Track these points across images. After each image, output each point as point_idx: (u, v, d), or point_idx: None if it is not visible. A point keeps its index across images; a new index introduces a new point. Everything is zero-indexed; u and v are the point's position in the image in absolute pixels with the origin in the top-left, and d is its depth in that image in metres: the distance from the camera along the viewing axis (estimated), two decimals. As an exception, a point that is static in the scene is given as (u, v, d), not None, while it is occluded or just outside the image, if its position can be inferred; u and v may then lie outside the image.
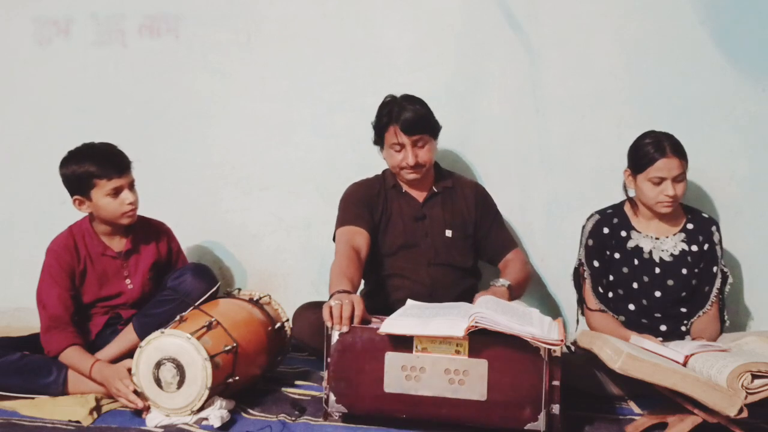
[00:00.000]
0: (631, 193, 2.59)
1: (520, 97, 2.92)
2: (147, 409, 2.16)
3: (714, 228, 2.54)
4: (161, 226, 2.65)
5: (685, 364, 2.07)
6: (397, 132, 2.54)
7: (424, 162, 2.58)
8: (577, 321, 2.67)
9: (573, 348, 2.40)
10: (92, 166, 2.38)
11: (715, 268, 2.51)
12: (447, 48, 2.94)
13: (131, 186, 2.45)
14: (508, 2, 2.89)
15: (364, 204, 2.62)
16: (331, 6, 2.98)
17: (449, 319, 2.02)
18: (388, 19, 2.96)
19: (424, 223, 2.65)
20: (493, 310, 2.05)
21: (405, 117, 2.53)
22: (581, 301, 2.61)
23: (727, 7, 2.79)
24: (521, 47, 2.90)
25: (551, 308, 2.96)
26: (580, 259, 2.60)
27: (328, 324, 2.06)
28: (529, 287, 2.74)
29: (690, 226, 2.55)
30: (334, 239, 2.59)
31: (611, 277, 2.57)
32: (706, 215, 2.58)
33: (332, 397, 2.07)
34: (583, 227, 2.62)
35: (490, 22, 2.90)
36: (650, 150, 2.44)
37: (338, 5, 2.98)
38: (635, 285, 2.54)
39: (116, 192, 2.40)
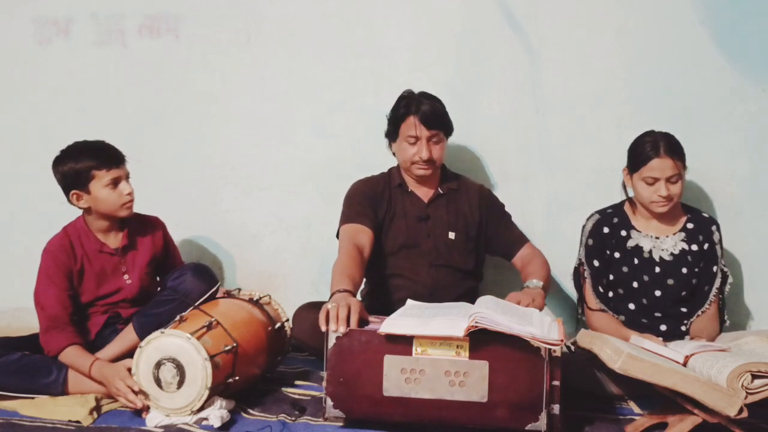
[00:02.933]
0: (631, 193, 2.59)
1: (520, 97, 2.92)
2: (147, 408, 2.16)
3: (714, 227, 2.54)
4: (155, 220, 2.65)
5: (685, 364, 2.07)
6: (416, 123, 2.54)
7: (437, 158, 2.59)
8: (578, 321, 2.67)
9: (573, 348, 2.40)
10: (90, 159, 2.40)
11: (714, 268, 2.51)
12: (447, 48, 2.94)
13: (127, 178, 2.47)
14: (508, 2, 2.89)
15: (368, 201, 2.62)
16: (331, 6, 2.98)
17: (449, 319, 2.02)
18: (388, 19, 2.96)
19: (427, 224, 2.65)
20: (493, 310, 2.05)
21: (425, 109, 2.54)
22: (581, 301, 2.61)
23: (727, 7, 2.79)
24: (521, 47, 2.90)
25: (551, 308, 2.95)
26: (580, 259, 2.60)
27: (323, 328, 2.04)
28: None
29: (690, 225, 2.55)
30: (337, 236, 2.59)
31: (611, 277, 2.57)
32: (706, 215, 2.58)
33: (329, 402, 2.05)
34: (583, 227, 2.62)
35: (490, 22, 2.91)
36: (646, 149, 2.45)
37: (338, 5, 2.98)
38: (635, 284, 2.54)
39: (115, 183, 2.42)
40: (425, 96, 2.60)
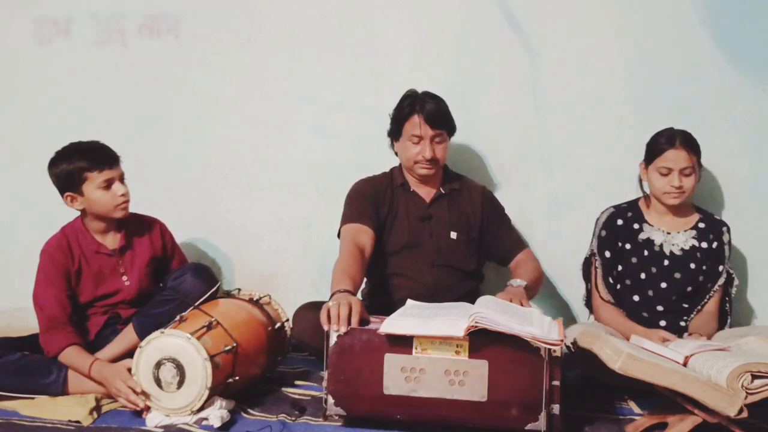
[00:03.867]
0: (647, 188, 2.62)
1: (520, 97, 2.92)
2: (147, 409, 2.16)
3: (725, 229, 2.60)
4: (154, 220, 2.65)
5: (685, 365, 2.07)
6: (421, 122, 2.54)
7: (440, 158, 2.59)
8: (589, 316, 2.66)
9: (573, 348, 2.40)
10: (82, 161, 2.39)
11: (720, 267, 2.55)
12: (447, 48, 2.94)
13: (122, 179, 2.46)
14: (508, 2, 2.89)
15: (370, 201, 2.61)
16: (331, 6, 2.98)
17: (449, 319, 2.02)
18: (388, 19, 2.96)
19: (429, 224, 2.65)
20: (493, 310, 2.05)
21: (429, 109, 2.55)
22: (590, 293, 2.64)
23: (727, 7, 2.79)
24: (521, 47, 2.90)
25: (551, 308, 2.95)
26: (592, 250, 2.64)
27: (325, 327, 2.04)
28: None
29: (702, 225, 2.60)
30: (338, 235, 2.59)
31: (620, 268, 2.61)
32: (717, 217, 2.64)
33: (330, 400, 2.05)
34: (597, 219, 2.66)
35: (490, 22, 2.91)
36: (661, 141, 2.51)
37: (338, 5, 2.98)
38: (642, 275, 2.58)
39: (108, 184, 2.41)
40: (429, 95, 2.60)
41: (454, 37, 2.93)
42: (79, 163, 2.39)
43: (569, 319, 2.85)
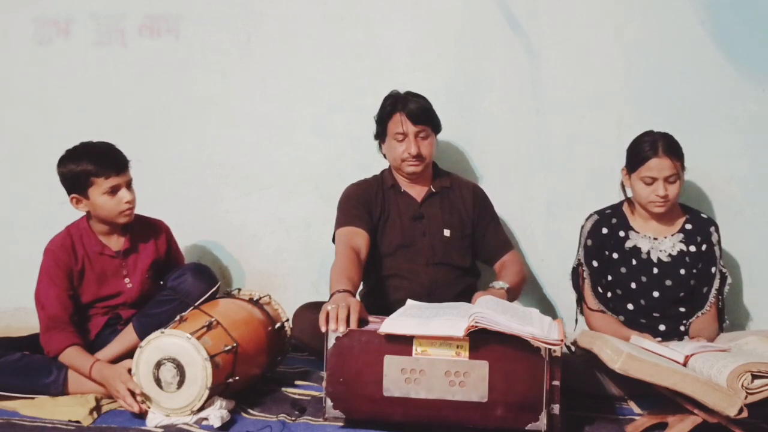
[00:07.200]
0: (629, 193, 2.59)
1: (520, 97, 2.92)
2: (145, 413, 2.15)
3: (712, 228, 2.53)
4: (159, 224, 2.64)
5: (685, 364, 2.07)
6: (403, 120, 2.56)
7: (426, 154, 2.60)
8: (576, 321, 2.67)
9: (573, 348, 2.40)
10: (90, 164, 2.38)
11: (713, 269, 2.51)
12: (447, 48, 2.94)
13: (129, 185, 2.45)
14: (508, 2, 2.89)
15: (362, 204, 2.62)
16: (331, 6, 2.99)
17: (449, 319, 2.01)
18: (388, 19, 2.96)
19: (422, 223, 2.66)
20: (493, 310, 2.05)
21: (410, 106, 2.57)
22: (580, 301, 2.61)
23: (727, 6, 2.79)
24: (521, 47, 2.90)
25: (550, 308, 2.96)
26: (579, 259, 2.60)
27: (323, 329, 2.04)
28: (527, 288, 2.75)
29: (688, 226, 2.55)
30: (333, 240, 2.59)
31: (609, 277, 2.57)
32: (704, 215, 2.58)
33: (329, 403, 2.04)
34: (582, 227, 2.62)
35: (490, 22, 2.91)
36: (644, 149, 2.45)
37: (338, 5, 2.98)
38: (633, 285, 2.54)
39: (114, 190, 2.40)
40: (411, 94, 2.63)
41: (454, 37, 2.93)
42: (86, 167, 2.38)
43: (570, 320, 2.84)
